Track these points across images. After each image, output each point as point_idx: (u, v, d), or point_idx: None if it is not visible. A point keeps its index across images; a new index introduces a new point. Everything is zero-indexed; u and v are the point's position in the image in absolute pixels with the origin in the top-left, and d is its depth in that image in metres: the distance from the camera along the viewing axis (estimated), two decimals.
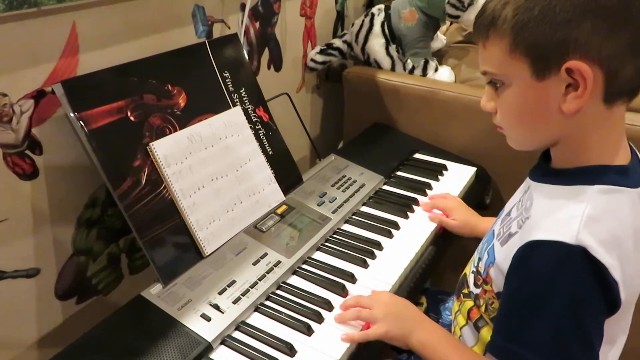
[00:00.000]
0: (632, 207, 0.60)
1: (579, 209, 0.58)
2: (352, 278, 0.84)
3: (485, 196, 1.23)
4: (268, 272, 0.83)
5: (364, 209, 1.03)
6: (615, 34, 0.55)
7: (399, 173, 1.16)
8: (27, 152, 0.76)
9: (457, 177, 1.15)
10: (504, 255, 0.65)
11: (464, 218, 0.98)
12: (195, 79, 0.92)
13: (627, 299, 0.58)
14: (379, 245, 0.92)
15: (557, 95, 0.58)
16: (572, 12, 0.55)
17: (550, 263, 0.57)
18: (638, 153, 0.66)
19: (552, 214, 0.60)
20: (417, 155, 1.24)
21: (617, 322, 0.61)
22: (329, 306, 0.78)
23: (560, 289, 0.56)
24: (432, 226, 0.98)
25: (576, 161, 0.62)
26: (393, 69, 1.34)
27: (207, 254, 0.84)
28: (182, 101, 0.89)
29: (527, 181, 0.70)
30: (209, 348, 0.71)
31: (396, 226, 0.97)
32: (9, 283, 0.78)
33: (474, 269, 0.76)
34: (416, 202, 1.05)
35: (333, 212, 0.98)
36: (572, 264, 0.56)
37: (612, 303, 0.57)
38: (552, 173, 0.66)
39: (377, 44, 1.34)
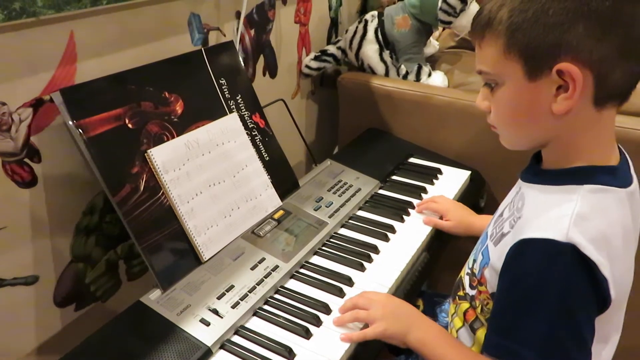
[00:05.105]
0: (621, 206, 0.61)
1: (569, 207, 0.59)
2: (349, 281, 0.85)
3: (479, 199, 1.24)
4: (266, 276, 0.84)
5: (360, 213, 1.04)
6: (607, 38, 0.56)
7: (394, 177, 1.17)
8: (26, 160, 0.76)
9: (452, 180, 1.17)
10: (498, 255, 0.66)
11: (459, 217, 0.99)
12: (192, 86, 0.93)
13: (617, 297, 0.59)
14: (375, 249, 0.93)
15: (548, 96, 0.60)
16: (564, 15, 0.56)
17: (542, 260, 0.59)
18: (627, 154, 0.67)
19: (543, 213, 0.61)
20: (412, 160, 1.25)
21: (609, 320, 0.62)
22: (327, 309, 0.79)
23: (551, 285, 0.58)
24: (427, 229, 0.99)
25: (566, 162, 0.64)
26: (387, 74, 1.35)
27: (205, 260, 0.85)
28: (179, 108, 0.90)
29: (519, 182, 0.72)
30: (208, 353, 0.72)
31: (392, 230, 0.98)
32: (8, 290, 0.78)
33: (469, 271, 0.77)
34: (412, 205, 1.06)
35: (329, 217, 0.99)
36: (562, 260, 0.57)
37: (602, 300, 0.58)
38: (542, 173, 0.67)
39: (370, 50, 1.35)
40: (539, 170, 0.68)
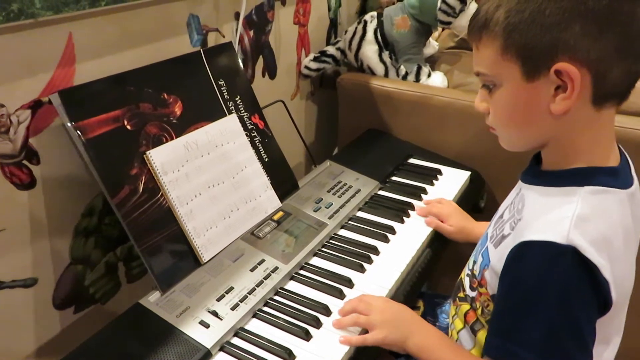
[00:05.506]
0: (621, 207, 0.61)
1: (570, 209, 0.59)
2: (349, 283, 0.85)
3: (479, 200, 1.24)
4: (266, 278, 0.84)
5: (360, 214, 1.04)
6: (604, 37, 0.56)
7: (394, 178, 1.17)
8: (25, 162, 0.76)
9: (452, 181, 1.16)
10: (498, 257, 0.66)
11: (460, 224, 0.99)
12: (191, 88, 0.93)
13: (618, 299, 0.59)
14: (375, 250, 0.92)
15: (547, 96, 0.59)
16: (561, 15, 0.56)
17: (542, 263, 0.58)
18: (627, 155, 0.67)
19: (543, 215, 0.61)
20: (412, 160, 1.25)
21: (610, 322, 0.62)
22: (326, 311, 0.79)
23: (552, 287, 0.57)
24: (427, 230, 0.99)
25: (566, 163, 0.63)
26: (386, 75, 1.35)
27: (204, 261, 0.84)
28: (178, 109, 0.90)
29: (519, 184, 0.71)
30: (208, 355, 0.71)
31: (392, 231, 0.98)
32: (7, 293, 0.78)
33: (469, 272, 0.77)
34: (411, 206, 1.05)
35: (329, 218, 0.99)
36: (563, 263, 0.57)
37: (603, 302, 0.58)
38: (542, 175, 0.67)
39: (370, 51, 1.35)
40: (538, 172, 0.68)
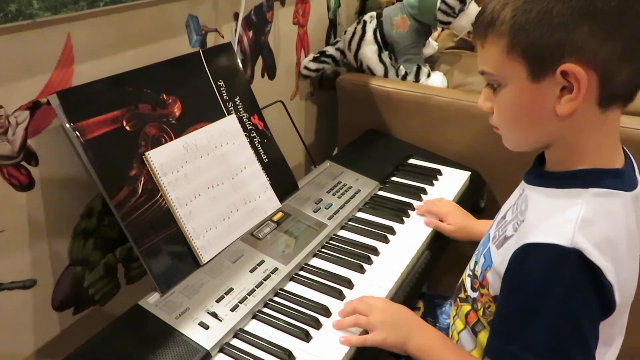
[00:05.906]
0: (626, 210, 0.60)
1: (574, 212, 0.58)
2: (349, 283, 0.84)
3: (480, 200, 1.23)
4: (265, 279, 0.83)
5: (360, 214, 1.04)
6: (612, 38, 0.55)
7: (394, 178, 1.17)
8: (23, 163, 0.76)
9: (452, 181, 1.16)
10: (501, 259, 0.66)
11: (459, 222, 0.98)
12: (190, 88, 0.93)
13: (622, 301, 0.59)
14: (375, 251, 0.92)
15: (552, 97, 0.59)
16: (569, 15, 0.55)
17: (546, 265, 0.58)
18: (632, 157, 0.66)
19: (547, 217, 0.60)
20: (412, 161, 1.24)
21: (613, 324, 0.62)
22: (326, 312, 0.79)
23: (556, 290, 0.57)
24: (427, 231, 0.99)
25: (570, 164, 0.63)
26: (386, 75, 1.35)
27: (204, 262, 0.84)
28: (177, 110, 0.90)
29: (522, 184, 0.71)
30: (207, 356, 0.71)
31: (392, 231, 0.98)
32: (6, 295, 0.77)
33: (470, 273, 0.76)
34: (411, 207, 1.05)
35: (329, 219, 0.99)
36: (567, 266, 0.56)
37: (607, 305, 0.58)
38: (546, 176, 0.66)
39: (369, 51, 1.35)
40: (542, 173, 0.67)
